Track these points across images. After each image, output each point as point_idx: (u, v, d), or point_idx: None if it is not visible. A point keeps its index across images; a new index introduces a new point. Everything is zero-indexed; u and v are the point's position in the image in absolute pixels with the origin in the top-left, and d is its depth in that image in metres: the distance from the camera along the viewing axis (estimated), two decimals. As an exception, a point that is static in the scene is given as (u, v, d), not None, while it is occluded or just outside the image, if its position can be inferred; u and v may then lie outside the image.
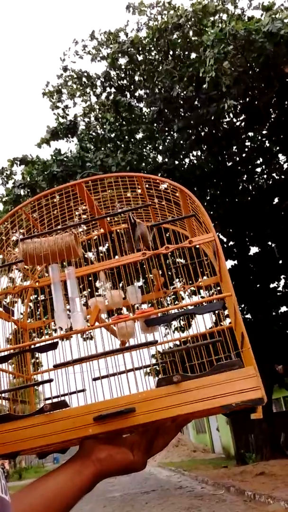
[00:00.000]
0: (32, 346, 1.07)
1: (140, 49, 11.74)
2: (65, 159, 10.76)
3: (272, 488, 8.58)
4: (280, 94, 10.38)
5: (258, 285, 14.03)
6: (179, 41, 11.10)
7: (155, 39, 11.07)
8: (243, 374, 0.82)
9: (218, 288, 1.14)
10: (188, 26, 10.63)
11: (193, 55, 10.99)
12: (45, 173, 10.54)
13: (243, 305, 14.24)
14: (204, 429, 26.89)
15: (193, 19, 10.67)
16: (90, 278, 1.29)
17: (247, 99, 11.17)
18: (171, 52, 11.28)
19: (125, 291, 1.27)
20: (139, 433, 0.89)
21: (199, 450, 25.47)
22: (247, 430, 14.75)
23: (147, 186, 1.30)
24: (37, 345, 1.05)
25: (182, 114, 11.57)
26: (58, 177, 10.38)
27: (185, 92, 10.46)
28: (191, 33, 11.01)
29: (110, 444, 0.85)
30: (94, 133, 12.48)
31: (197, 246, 1.09)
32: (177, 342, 1.42)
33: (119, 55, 11.93)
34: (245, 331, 0.92)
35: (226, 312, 1.10)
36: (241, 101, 11.34)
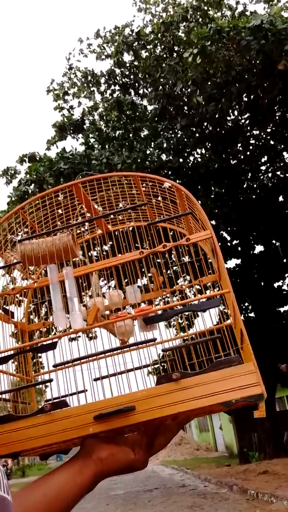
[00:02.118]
0: (32, 347, 1.08)
1: (145, 44, 11.72)
2: (70, 156, 10.77)
3: (275, 487, 8.58)
4: (283, 92, 10.35)
5: (262, 284, 14.00)
6: (183, 37, 11.08)
7: (160, 34, 11.04)
8: (242, 370, 0.81)
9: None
10: (194, 20, 10.62)
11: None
12: (52, 169, 10.55)
13: (246, 304, 14.22)
14: (207, 427, 26.90)
15: (200, 10, 10.66)
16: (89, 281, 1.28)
17: (251, 97, 11.14)
18: (176, 48, 11.26)
19: (124, 291, 1.27)
20: (140, 432, 0.89)
21: (202, 449, 25.50)
22: (250, 428, 14.75)
23: (149, 184, 1.29)
24: (37, 345, 1.05)
25: (186, 112, 11.55)
26: (65, 174, 10.38)
27: (188, 90, 10.46)
28: (195, 28, 11.01)
29: (111, 443, 0.85)
30: (99, 131, 12.49)
31: (196, 244, 1.09)
32: (177, 340, 1.41)
33: (124, 47, 11.88)
34: (244, 327, 0.91)
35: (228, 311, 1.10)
36: (245, 99, 11.32)
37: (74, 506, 0.81)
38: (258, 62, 9.20)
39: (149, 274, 1.27)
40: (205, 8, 10.96)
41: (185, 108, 11.55)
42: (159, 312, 1.06)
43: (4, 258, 1.20)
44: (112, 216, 1.36)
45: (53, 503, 0.79)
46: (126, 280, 1.26)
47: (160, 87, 11.30)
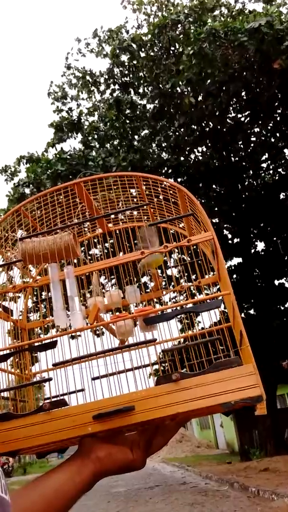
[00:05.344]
0: (31, 345, 1.07)
1: (141, 46, 11.69)
2: (68, 157, 10.78)
3: (276, 484, 8.59)
4: (282, 90, 10.32)
5: (263, 281, 13.99)
6: (180, 37, 11.04)
7: (155, 36, 11.02)
8: (241, 372, 0.82)
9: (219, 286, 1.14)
10: (188, 22, 10.60)
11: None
12: (50, 171, 10.56)
13: (247, 301, 14.20)
14: (208, 425, 26.94)
15: (192, 16, 10.64)
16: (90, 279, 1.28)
17: (250, 95, 11.11)
18: (172, 48, 11.22)
19: (124, 291, 1.26)
20: (139, 432, 0.89)
21: (203, 446, 25.51)
22: (251, 426, 14.78)
23: (150, 184, 1.29)
24: (36, 344, 1.05)
25: (185, 110, 11.51)
26: (62, 176, 10.39)
27: (183, 89, 10.44)
28: (192, 29, 10.96)
29: (109, 443, 0.85)
30: (98, 130, 12.46)
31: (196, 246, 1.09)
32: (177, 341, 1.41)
33: (121, 51, 11.88)
34: (244, 329, 0.91)
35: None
36: (244, 97, 11.28)
37: (73, 505, 0.82)
38: (256, 60, 9.18)
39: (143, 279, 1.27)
40: (199, 11, 10.91)
41: (184, 106, 11.52)
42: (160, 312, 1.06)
43: (5, 256, 1.20)
44: (113, 215, 1.36)
45: (51, 502, 0.79)
46: (126, 279, 1.25)
47: (157, 86, 11.26)
